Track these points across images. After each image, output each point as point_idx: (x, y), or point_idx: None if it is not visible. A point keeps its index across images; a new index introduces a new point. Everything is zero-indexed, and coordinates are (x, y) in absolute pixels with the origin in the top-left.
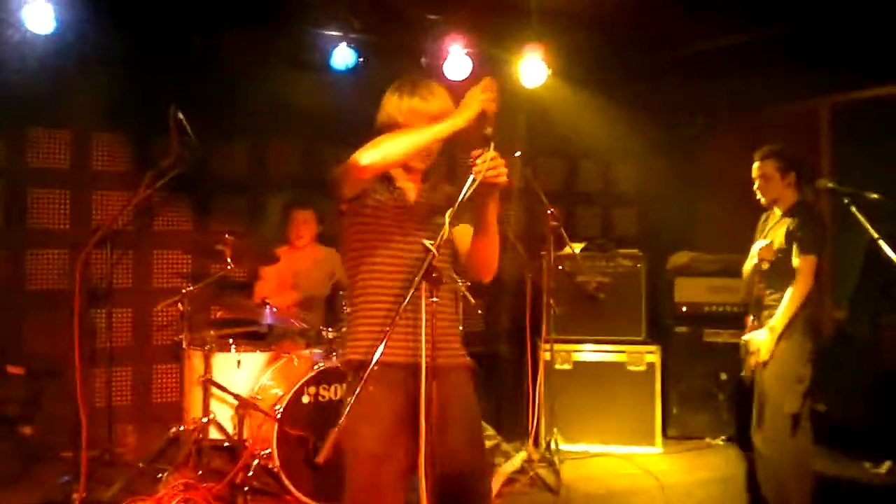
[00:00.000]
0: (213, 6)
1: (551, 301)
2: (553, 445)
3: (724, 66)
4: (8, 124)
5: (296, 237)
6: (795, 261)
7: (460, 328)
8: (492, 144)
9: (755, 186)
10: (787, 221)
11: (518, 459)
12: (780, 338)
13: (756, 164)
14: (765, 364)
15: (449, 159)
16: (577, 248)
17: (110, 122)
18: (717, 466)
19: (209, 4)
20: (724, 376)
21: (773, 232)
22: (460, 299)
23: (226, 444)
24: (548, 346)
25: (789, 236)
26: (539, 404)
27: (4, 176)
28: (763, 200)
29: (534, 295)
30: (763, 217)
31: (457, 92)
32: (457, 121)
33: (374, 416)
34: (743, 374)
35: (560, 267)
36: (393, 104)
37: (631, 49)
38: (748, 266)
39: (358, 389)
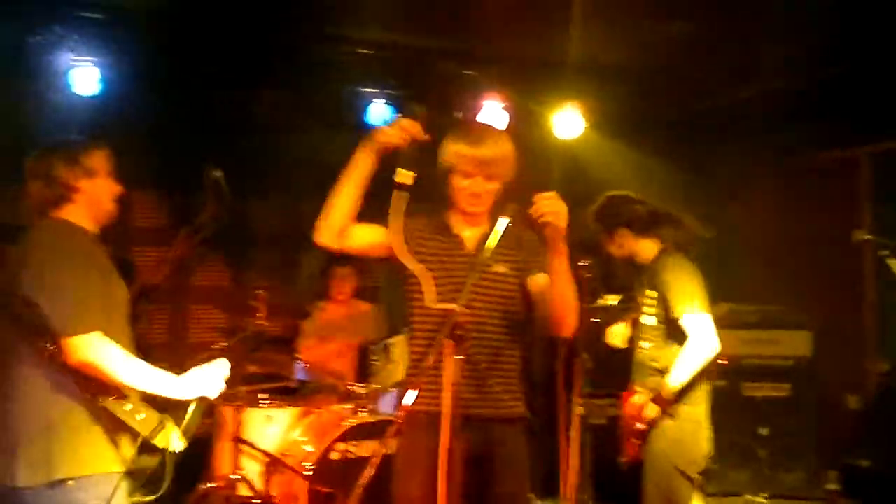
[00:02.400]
0: (251, 66)
1: (584, 354)
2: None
3: (760, 114)
4: None
5: (337, 293)
6: (683, 322)
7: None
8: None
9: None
10: (654, 276)
11: None
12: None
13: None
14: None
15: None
16: (614, 300)
17: (151, 181)
18: None
19: (247, 65)
20: (763, 431)
21: (643, 284)
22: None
23: (255, 500)
24: (582, 401)
25: (661, 293)
26: (573, 460)
27: None
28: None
29: (567, 348)
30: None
31: None
32: (359, 155)
33: (417, 463)
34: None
35: (594, 319)
36: (445, 148)
37: (665, 100)
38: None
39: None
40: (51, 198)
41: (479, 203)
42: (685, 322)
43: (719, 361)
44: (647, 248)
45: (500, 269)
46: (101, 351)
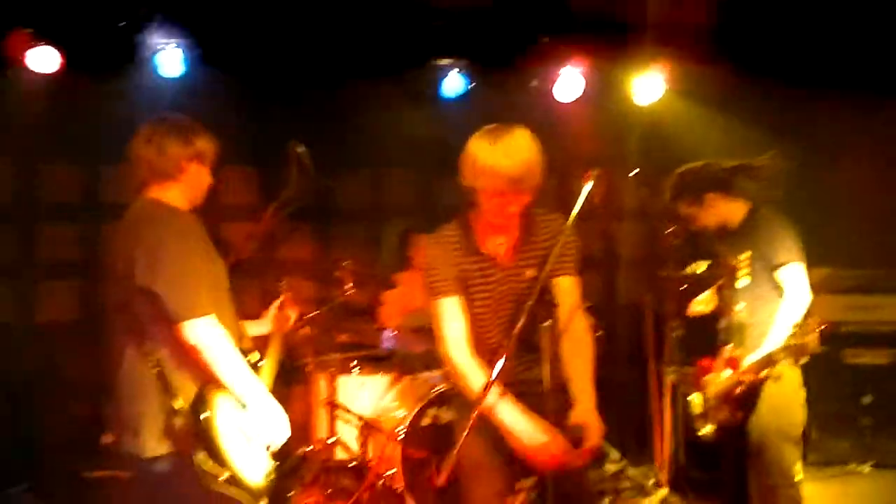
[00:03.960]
0: (332, 48)
1: (674, 322)
2: None
3: (854, 70)
4: None
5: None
6: (780, 274)
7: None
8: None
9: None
10: (748, 236)
11: (656, 499)
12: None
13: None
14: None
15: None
16: (702, 266)
17: (238, 158)
18: (863, 494)
19: (327, 46)
20: (866, 400)
21: (733, 247)
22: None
23: (351, 464)
24: (672, 369)
25: (757, 249)
26: (666, 428)
27: None
28: (713, 229)
29: (655, 316)
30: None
31: (568, 113)
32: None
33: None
34: (706, 430)
35: (682, 287)
36: (469, 165)
37: (753, 60)
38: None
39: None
40: (158, 170)
41: (511, 218)
42: (783, 273)
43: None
44: (737, 210)
45: (529, 273)
46: (211, 336)
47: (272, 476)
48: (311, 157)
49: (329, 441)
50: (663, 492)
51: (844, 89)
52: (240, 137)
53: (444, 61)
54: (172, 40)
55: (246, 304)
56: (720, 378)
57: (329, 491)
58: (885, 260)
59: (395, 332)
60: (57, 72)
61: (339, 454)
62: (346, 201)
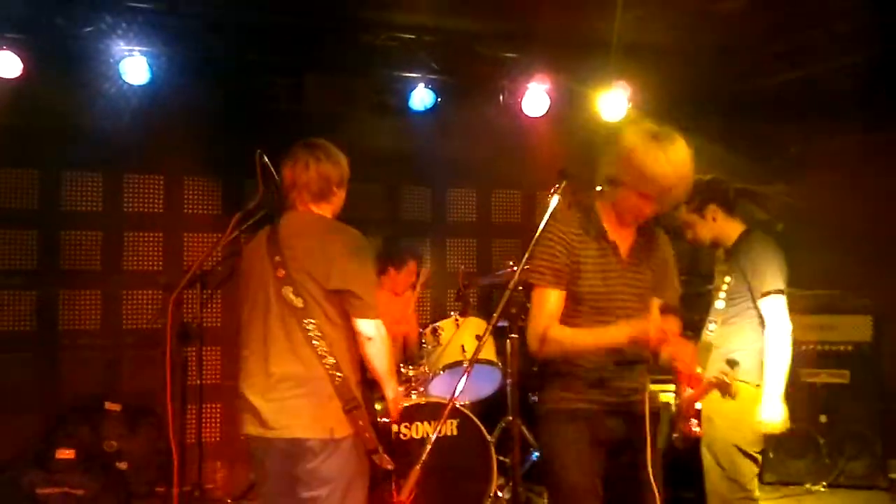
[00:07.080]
0: (296, 53)
1: None
2: None
3: (818, 94)
4: (105, 171)
5: (411, 286)
6: (762, 304)
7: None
8: None
9: (687, 238)
10: (735, 259)
11: None
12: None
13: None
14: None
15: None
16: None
17: (201, 168)
18: None
19: (292, 52)
20: (823, 419)
21: (723, 271)
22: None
23: None
24: None
25: (743, 274)
26: None
27: (103, 221)
28: (707, 243)
29: None
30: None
31: (535, 128)
32: (620, 338)
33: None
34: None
35: None
36: (628, 161)
37: (717, 80)
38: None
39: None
40: (316, 193)
41: (642, 220)
42: (764, 304)
43: None
44: (732, 229)
45: (647, 273)
46: (386, 334)
47: None
48: (276, 167)
49: None
50: None
51: (806, 114)
52: (205, 147)
53: (412, 74)
54: (137, 48)
55: (208, 316)
56: (686, 393)
57: None
58: (842, 281)
59: None
60: (18, 77)
61: None
62: None
